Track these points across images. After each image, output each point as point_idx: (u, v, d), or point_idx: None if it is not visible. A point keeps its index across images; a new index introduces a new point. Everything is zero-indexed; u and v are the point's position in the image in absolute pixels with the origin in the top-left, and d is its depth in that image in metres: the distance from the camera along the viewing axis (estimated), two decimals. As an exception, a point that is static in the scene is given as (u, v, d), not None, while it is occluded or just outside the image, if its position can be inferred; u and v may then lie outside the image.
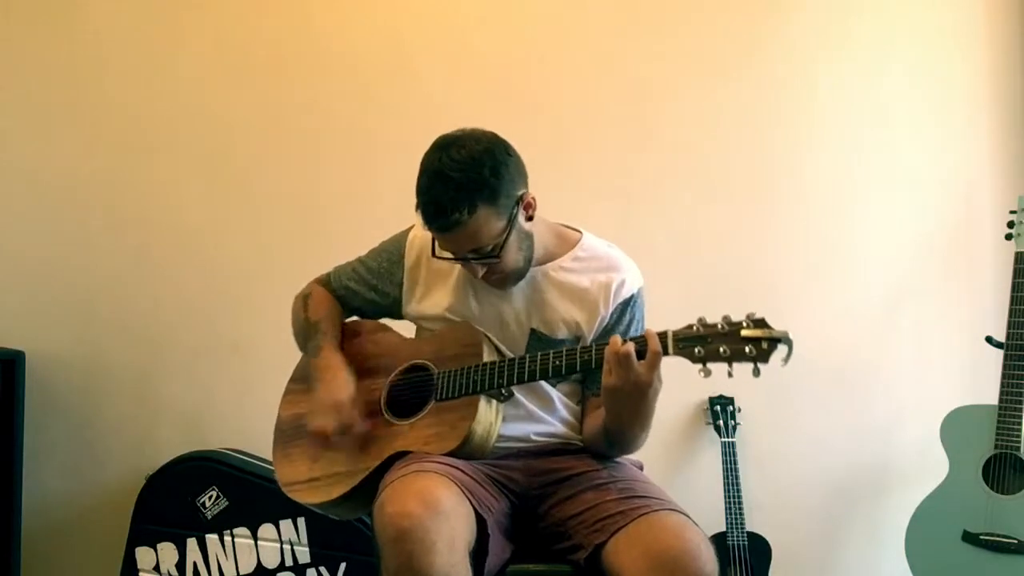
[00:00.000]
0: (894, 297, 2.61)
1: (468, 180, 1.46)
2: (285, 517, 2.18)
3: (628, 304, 1.63)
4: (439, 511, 1.28)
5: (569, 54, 2.61)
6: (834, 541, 2.59)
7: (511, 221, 1.51)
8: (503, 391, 1.53)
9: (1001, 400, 2.21)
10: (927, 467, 2.36)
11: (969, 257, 2.61)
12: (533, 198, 1.56)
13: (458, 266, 1.62)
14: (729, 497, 2.36)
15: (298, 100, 2.59)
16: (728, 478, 2.38)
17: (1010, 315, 2.24)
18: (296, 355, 1.81)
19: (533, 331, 1.61)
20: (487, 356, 1.55)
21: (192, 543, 2.21)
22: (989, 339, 2.36)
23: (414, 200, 1.51)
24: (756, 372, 1.30)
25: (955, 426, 2.28)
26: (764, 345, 1.29)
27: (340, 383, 1.61)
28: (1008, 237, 2.30)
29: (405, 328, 1.75)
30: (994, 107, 2.62)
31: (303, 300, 1.78)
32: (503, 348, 1.61)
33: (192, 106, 2.58)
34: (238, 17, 2.60)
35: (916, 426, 2.52)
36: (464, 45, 2.61)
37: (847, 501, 2.57)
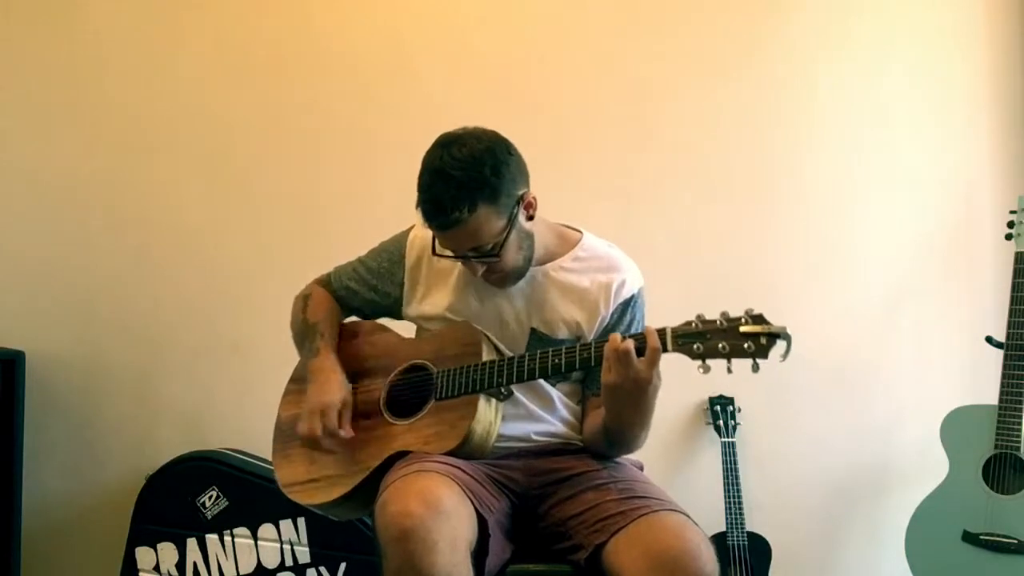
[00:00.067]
0: (894, 297, 2.61)
1: (469, 179, 1.46)
2: (285, 517, 2.18)
3: (628, 304, 1.63)
4: (441, 511, 1.28)
5: (569, 54, 2.61)
6: (834, 541, 2.59)
7: (511, 220, 1.51)
8: (503, 390, 1.53)
9: (1001, 400, 2.21)
10: (927, 467, 2.36)
11: (969, 257, 2.61)
12: (534, 198, 1.56)
13: (459, 266, 1.62)
14: (729, 497, 2.36)
15: (298, 100, 2.59)
16: (728, 478, 2.38)
17: (1010, 315, 2.24)
18: (296, 355, 1.81)
19: (533, 331, 1.61)
20: (486, 355, 1.55)
21: (192, 543, 2.21)
22: (989, 339, 2.36)
23: (414, 200, 1.51)
24: (755, 368, 1.30)
25: (955, 426, 2.28)
26: (763, 341, 1.29)
27: (331, 386, 1.61)
28: (1008, 237, 2.30)
29: (405, 328, 1.75)
30: (994, 107, 2.62)
31: (303, 301, 1.78)
32: (502, 347, 1.61)
33: (192, 106, 2.58)
34: (238, 17, 2.60)
35: (916, 426, 2.52)
36: (464, 45, 2.61)
37: (847, 501, 2.57)
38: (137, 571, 2.23)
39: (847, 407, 2.58)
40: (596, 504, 1.45)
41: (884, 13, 2.62)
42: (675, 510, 1.41)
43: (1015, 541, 2.14)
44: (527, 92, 2.59)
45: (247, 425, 2.47)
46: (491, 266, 1.55)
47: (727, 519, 2.35)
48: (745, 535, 2.34)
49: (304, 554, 2.17)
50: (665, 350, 1.36)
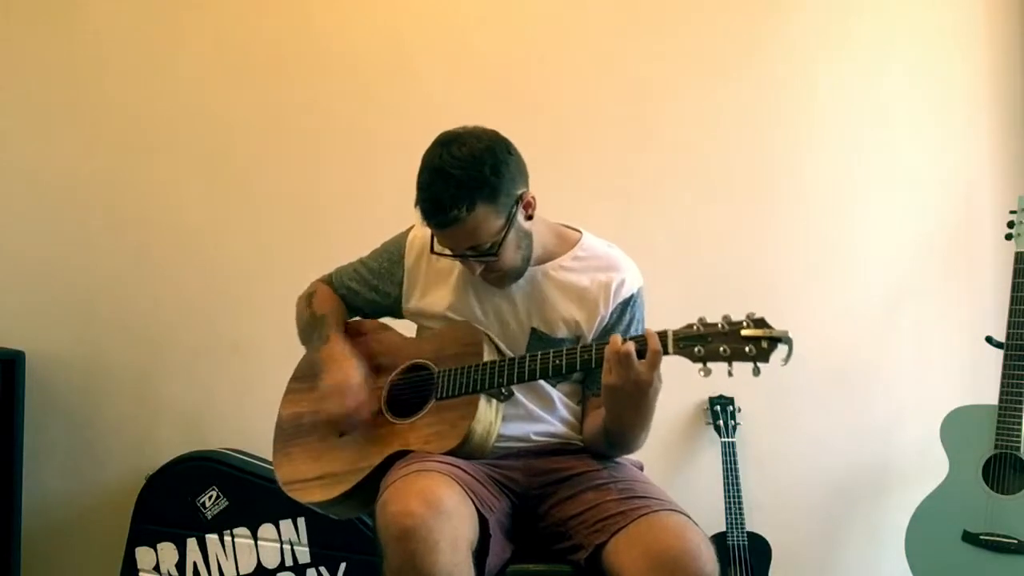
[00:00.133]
0: (894, 297, 2.61)
1: (468, 177, 1.46)
2: (285, 517, 2.18)
3: (628, 304, 1.63)
4: (442, 510, 1.28)
5: (569, 54, 2.61)
6: (834, 541, 2.59)
7: (510, 220, 1.51)
8: (503, 390, 1.53)
9: (1001, 400, 2.21)
10: (927, 467, 2.36)
11: (969, 257, 2.61)
12: (533, 198, 1.56)
13: (459, 265, 1.62)
14: (729, 497, 2.36)
15: (298, 100, 2.59)
16: (728, 478, 2.38)
17: (1010, 315, 2.24)
18: (296, 355, 1.81)
19: (534, 330, 1.61)
20: (487, 355, 1.55)
21: (192, 543, 2.21)
22: (989, 339, 2.36)
23: (414, 200, 1.51)
24: (756, 372, 1.30)
25: (955, 426, 2.28)
26: (764, 344, 1.29)
27: (347, 368, 1.61)
28: (1008, 237, 2.30)
29: (406, 328, 1.75)
30: (994, 107, 2.62)
31: (307, 298, 1.79)
32: (503, 347, 1.61)
33: (192, 106, 2.58)
34: (238, 17, 2.60)
35: (916, 426, 2.52)
36: (464, 45, 2.61)
37: (847, 501, 2.57)
38: (137, 571, 2.23)
39: (847, 407, 2.58)
40: (596, 504, 1.45)
41: (884, 13, 2.62)
42: (675, 510, 1.41)
43: (1015, 541, 2.14)
44: (527, 92, 2.59)
45: (247, 425, 2.47)
46: (489, 265, 1.55)
47: (727, 519, 2.35)
48: (745, 535, 2.34)
49: (304, 554, 2.17)
50: (666, 353, 1.36)
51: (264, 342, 2.50)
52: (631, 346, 1.36)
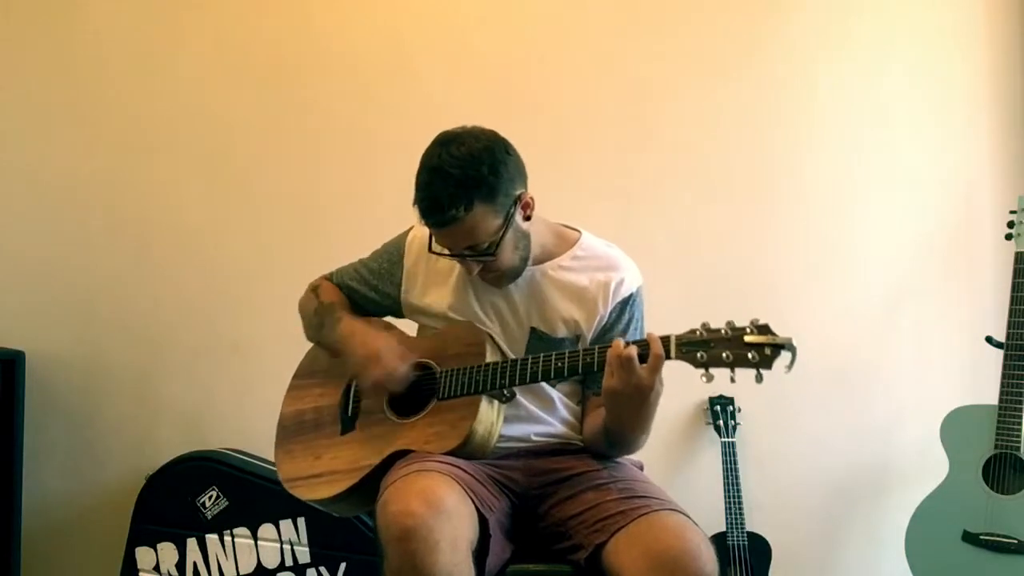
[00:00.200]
0: (894, 297, 2.61)
1: (466, 177, 1.46)
2: (285, 517, 2.18)
3: (627, 303, 1.63)
4: (442, 510, 1.28)
5: (569, 54, 2.61)
6: (834, 541, 2.59)
7: (508, 220, 1.52)
8: (505, 392, 1.53)
9: (1001, 400, 2.21)
10: (927, 467, 2.36)
11: (969, 257, 2.61)
12: (531, 198, 1.56)
13: (458, 265, 1.62)
14: (729, 497, 2.36)
15: (298, 100, 2.59)
16: (728, 478, 2.38)
17: (1010, 315, 2.24)
18: (297, 354, 1.82)
19: (533, 330, 1.61)
20: (490, 356, 1.55)
21: (192, 543, 2.21)
22: (989, 339, 2.36)
23: (413, 200, 1.51)
24: (759, 378, 1.30)
25: (955, 426, 2.28)
26: (767, 351, 1.29)
27: (371, 337, 1.61)
28: (1008, 237, 2.30)
29: (408, 327, 1.75)
30: (994, 107, 2.62)
31: (312, 291, 1.79)
32: (506, 348, 1.61)
33: (192, 106, 2.58)
34: (238, 17, 2.60)
35: (916, 426, 2.52)
36: (464, 45, 2.61)
37: (847, 501, 2.57)
38: (137, 571, 2.23)
39: (847, 407, 2.58)
40: (596, 504, 1.45)
41: (884, 13, 2.62)
42: (675, 510, 1.41)
43: (1015, 541, 2.14)
44: (527, 92, 2.59)
45: (247, 425, 2.47)
46: (487, 265, 1.55)
47: (727, 519, 2.35)
48: (745, 535, 2.34)
49: (304, 554, 2.17)
50: (668, 357, 1.36)
51: (264, 342, 2.50)
52: (633, 350, 1.36)
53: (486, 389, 1.51)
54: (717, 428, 2.46)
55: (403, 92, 2.58)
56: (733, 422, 2.46)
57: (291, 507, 2.16)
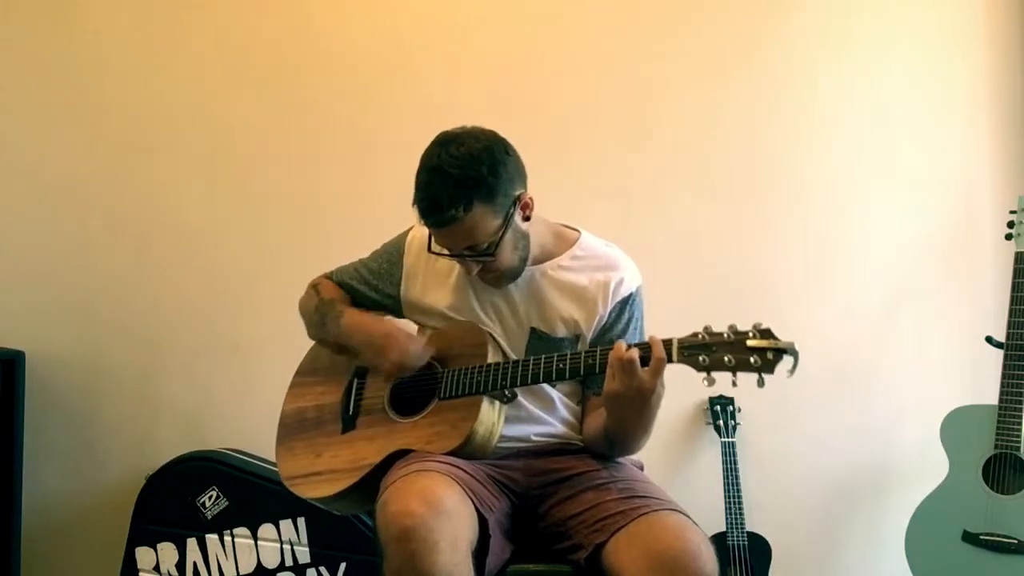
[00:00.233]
0: (894, 297, 2.61)
1: (466, 177, 1.46)
2: (285, 517, 2.18)
3: (626, 303, 1.64)
4: (442, 510, 1.28)
5: (569, 54, 2.61)
6: (834, 541, 2.59)
7: (507, 220, 1.52)
8: (507, 393, 1.53)
9: (1001, 400, 2.21)
10: (927, 467, 2.36)
11: (969, 257, 2.61)
12: (531, 198, 1.57)
13: (458, 266, 1.62)
14: (729, 497, 2.36)
15: (298, 100, 2.59)
16: (728, 478, 2.38)
17: (1010, 315, 2.24)
18: (297, 354, 1.82)
19: (533, 330, 1.62)
20: (492, 357, 1.55)
21: (192, 543, 2.21)
22: (989, 339, 2.36)
23: (412, 200, 1.51)
24: (761, 383, 1.30)
25: (955, 426, 2.28)
26: (769, 356, 1.29)
27: (379, 323, 1.63)
28: (1008, 237, 2.30)
29: (411, 327, 1.75)
30: (994, 107, 2.62)
31: (313, 288, 1.79)
32: (507, 349, 1.62)
33: (192, 106, 2.58)
34: (238, 17, 2.60)
35: (916, 426, 2.52)
36: (464, 45, 2.61)
37: (847, 501, 2.57)
38: (137, 571, 2.23)
39: (847, 407, 2.58)
40: (596, 504, 1.46)
41: (884, 13, 2.62)
42: (675, 510, 1.41)
43: (1015, 541, 2.14)
44: (527, 92, 2.59)
45: (247, 425, 2.47)
46: (486, 265, 1.55)
47: (727, 519, 2.35)
48: (745, 535, 2.34)
49: (304, 554, 2.17)
50: (670, 361, 1.36)
51: (264, 342, 2.50)
52: (635, 353, 1.36)
53: (487, 390, 1.51)
54: (717, 428, 2.46)
55: (403, 92, 2.58)
56: (733, 422, 2.46)
57: (291, 507, 2.16)
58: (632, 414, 1.43)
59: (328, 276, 1.82)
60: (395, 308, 1.73)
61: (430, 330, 1.69)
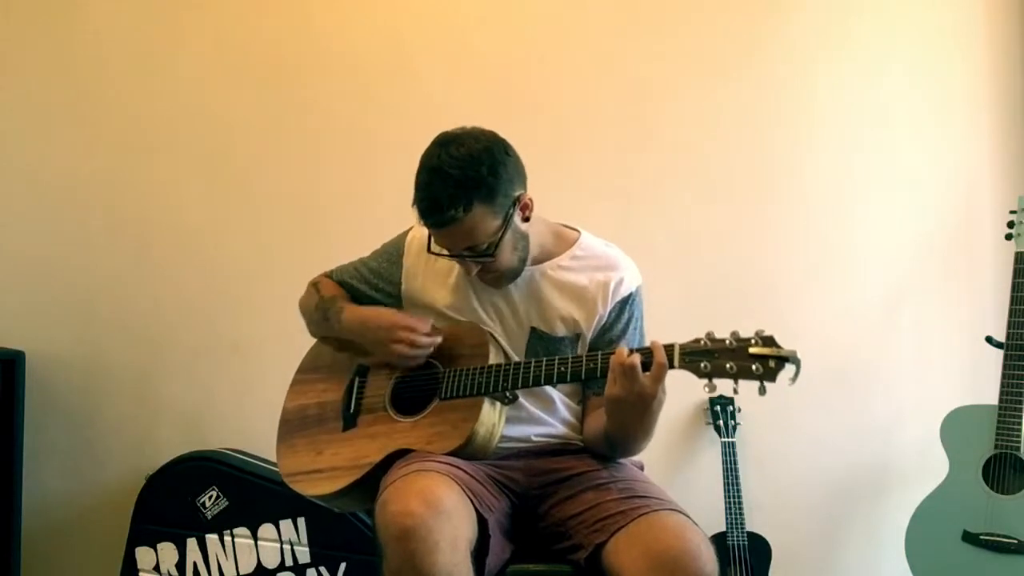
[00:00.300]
0: (894, 297, 2.61)
1: (465, 178, 1.46)
2: (285, 517, 2.18)
3: (626, 302, 1.64)
4: (441, 510, 1.28)
5: (569, 54, 2.61)
6: (834, 541, 2.59)
7: (507, 221, 1.52)
8: (508, 394, 1.53)
9: (1001, 400, 2.21)
10: (927, 467, 2.36)
11: (969, 257, 2.61)
12: (530, 199, 1.57)
13: (457, 266, 1.62)
14: (729, 497, 2.36)
15: (298, 100, 2.59)
16: (728, 478, 2.38)
17: (1010, 315, 2.24)
18: (297, 354, 1.81)
19: (533, 329, 1.62)
20: (493, 357, 1.56)
21: (192, 543, 2.21)
22: (989, 339, 2.36)
23: (412, 200, 1.51)
24: (762, 390, 1.30)
25: (955, 426, 2.28)
26: (771, 364, 1.29)
27: (383, 314, 1.63)
28: (1008, 237, 2.30)
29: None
30: (994, 107, 2.62)
31: (313, 287, 1.80)
32: (509, 350, 1.62)
33: (192, 106, 2.58)
34: (238, 17, 2.60)
35: (916, 426, 2.52)
36: (464, 45, 2.61)
37: (847, 501, 2.57)
38: (137, 571, 2.23)
39: (847, 407, 2.58)
40: (596, 504, 1.46)
41: (884, 13, 2.62)
42: (675, 510, 1.41)
43: (1015, 541, 2.14)
44: (527, 92, 2.59)
45: (247, 425, 2.47)
46: (486, 266, 1.55)
47: (727, 519, 2.35)
48: (745, 535, 2.34)
49: (304, 554, 2.17)
50: (671, 367, 1.36)
51: (264, 342, 2.50)
52: (636, 358, 1.36)
53: (489, 391, 1.51)
54: (717, 428, 2.46)
55: (403, 92, 2.58)
56: (733, 422, 2.46)
57: (291, 507, 2.16)
58: (633, 419, 1.43)
59: (328, 275, 1.82)
60: (395, 307, 1.73)
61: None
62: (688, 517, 1.40)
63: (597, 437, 1.57)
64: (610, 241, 1.71)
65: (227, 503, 2.21)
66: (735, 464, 2.40)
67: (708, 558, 1.31)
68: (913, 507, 2.30)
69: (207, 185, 2.58)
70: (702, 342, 1.35)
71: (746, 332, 1.33)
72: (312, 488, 1.60)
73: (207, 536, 2.21)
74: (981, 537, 2.18)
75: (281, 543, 2.18)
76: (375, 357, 1.66)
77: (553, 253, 1.65)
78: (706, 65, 2.61)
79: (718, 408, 2.47)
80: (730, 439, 2.43)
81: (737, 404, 2.48)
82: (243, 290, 2.56)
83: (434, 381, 1.59)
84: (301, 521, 2.18)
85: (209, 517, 2.21)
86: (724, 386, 1.33)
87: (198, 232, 2.57)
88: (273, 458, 1.72)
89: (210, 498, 2.22)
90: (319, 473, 1.60)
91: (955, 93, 2.63)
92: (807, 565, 2.56)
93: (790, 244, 2.60)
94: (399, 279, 1.71)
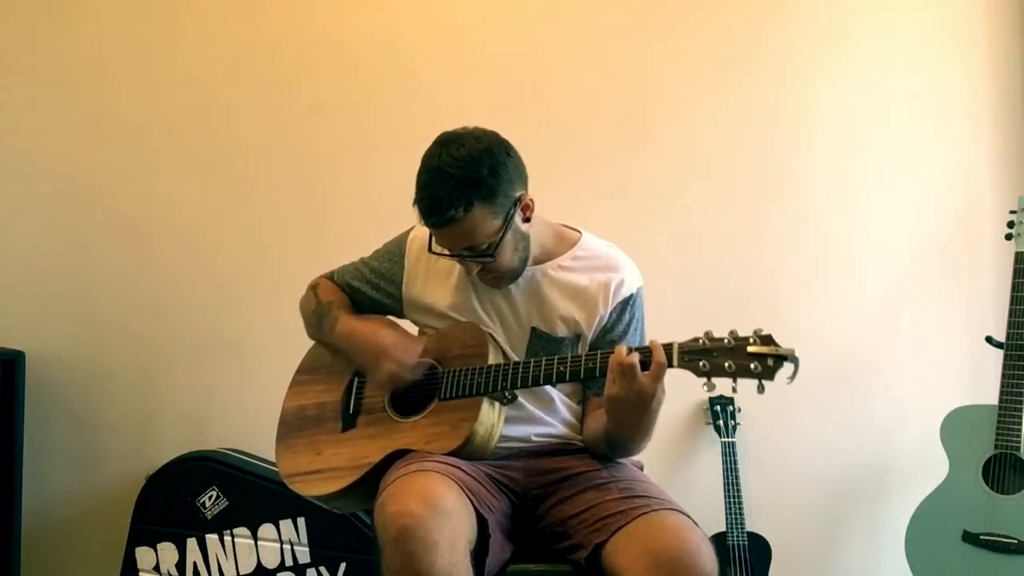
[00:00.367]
0: (894, 297, 2.61)
1: (466, 178, 1.46)
2: (285, 517, 2.18)
3: (627, 303, 1.63)
4: (440, 510, 1.28)
5: (569, 54, 2.61)
6: (834, 541, 2.59)
7: (507, 221, 1.52)
8: (507, 394, 1.53)
9: (1001, 400, 2.21)
10: (927, 467, 2.36)
11: (969, 257, 2.61)
12: (531, 200, 1.57)
13: (458, 266, 1.62)
14: (729, 497, 2.36)
15: (298, 100, 2.59)
16: (728, 478, 2.38)
17: (1010, 315, 2.24)
18: (297, 354, 1.82)
19: (534, 329, 1.62)
20: (492, 358, 1.56)
21: (192, 543, 2.21)
22: (989, 339, 2.36)
23: (413, 200, 1.51)
24: (760, 389, 1.30)
25: (955, 426, 2.28)
26: (770, 362, 1.29)
27: (375, 333, 1.62)
28: (1008, 237, 2.30)
29: (411, 327, 1.75)
30: (994, 107, 2.62)
31: (312, 290, 1.79)
32: (508, 350, 1.62)
33: (192, 106, 2.58)
34: (238, 17, 2.59)
35: (916, 426, 2.52)
36: (464, 45, 2.61)
37: (847, 501, 2.57)
38: (137, 571, 2.23)
39: (847, 407, 2.58)
40: (596, 503, 1.46)
41: (884, 13, 2.62)
42: (675, 510, 1.41)
43: (1015, 541, 2.14)
44: (527, 92, 2.59)
45: (247, 425, 2.47)
46: (486, 266, 1.55)
47: (727, 519, 2.35)
48: (745, 535, 2.34)
49: (304, 554, 2.17)
50: (670, 365, 1.36)
51: (264, 342, 2.50)
52: (635, 357, 1.36)
53: (488, 391, 1.51)
54: (717, 428, 2.46)
55: (403, 92, 2.58)
56: (733, 422, 2.46)
57: (291, 507, 2.16)
58: (632, 418, 1.43)
59: (329, 276, 1.82)
60: (396, 308, 1.73)
61: (431, 330, 1.69)
62: (688, 517, 1.40)
63: (597, 437, 1.57)
64: (610, 241, 1.71)
65: (227, 503, 2.21)
66: (735, 464, 2.40)
67: (708, 558, 1.31)
68: (913, 507, 2.30)
69: (207, 185, 2.58)
70: (701, 341, 1.36)
71: (745, 331, 1.33)
72: (311, 489, 1.60)
73: (207, 536, 2.21)
74: (981, 537, 2.18)
75: (281, 543, 2.18)
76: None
77: (554, 253, 1.65)
78: (706, 65, 2.61)
79: (718, 408, 2.47)
80: (730, 439, 2.43)
81: (737, 404, 2.48)
82: (243, 290, 2.56)
83: (433, 381, 1.59)
84: (301, 521, 2.18)
85: (209, 517, 2.21)
86: (723, 385, 1.34)
87: (198, 232, 2.57)
88: (273, 458, 1.72)
89: (210, 498, 2.22)
90: (318, 474, 1.61)
91: (955, 93, 2.63)
92: (807, 565, 2.56)
93: (790, 244, 2.60)
94: (401, 279, 1.71)
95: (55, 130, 2.57)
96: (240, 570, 2.18)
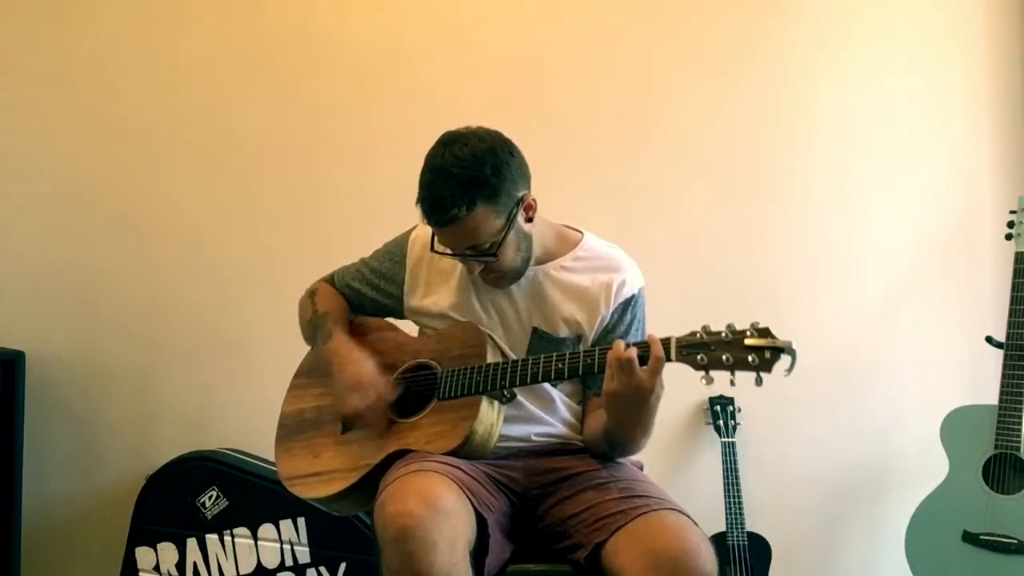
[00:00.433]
0: (894, 297, 2.61)
1: (469, 177, 1.46)
2: (285, 517, 2.18)
3: (629, 304, 1.63)
4: (440, 510, 1.28)
5: (569, 54, 2.61)
6: (834, 541, 2.59)
7: (510, 221, 1.52)
8: (505, 392, 1.53)
9: (1001, 400, 2.21)
10: (927, 467, 2.36)
11: (969, 257, 2.61)
12: (534, 200, 1.57)
13: (460, 265, 1.62)
14: (729, 497, 2.36)
15: (298, 100, 2.59)
16: (728, 478, 2.38)
17: (1010, 315, 2.24)
18: (297, 354, 1.81)
19: (535, 330, 1.61)
20: (491, 357, 1.55)
21: (192, 543, 2.21)
22: (989, 339, 2.36)
23: (415, 200, 1.51)
24: (759, 381, 1.30)
25: (955, 426, 2.28)
26: (767, 355, 1.29)
27: (355, 362, 1.61)
28: (1008, 237, 2.30)
29: (411, 327, 1.75)
30: (994, 107, 2.62)
31: (310, 295, 1.79)
32: (506, 349, 1.62)
33: (192, 106, 2.58)
34: (238, 17, 2.59)
35: (916, 426, 2.52)
36: (464, 45, 2.61)
37: (847, 501, 2.57)
38: (137, 571, 2.23)
39: (847, 407, 2.58)
40: (596, 503, 1.46)
41: (884, 13, 2.62)
42: (675, 509, 1.41)
43: (1015, 541, 2.14)
44: (527, 92, 2.59)
45: (247, 425, 2.47)
46: (488, 266, 1.55)
47: (727, 519, 2.35)
48: (745, 535, 2.34)
49: (304, 554, 2.17)
50: (668, 360, 1.36)
51: (264, 342, 2.50)
52: (633, 352, 1.36)
53: (486, 390, 1.51)
54: (717, 428, 2.46)
55: (403, 92, 2.58)
56: (733, 422, 2.46)
57: (291, 507, 2.16)
58: (632, 414, 1.43)
59: (329, 279, 1.82)
60: (396, 308, 1.73)
61: (431, 331, 1.69)
62: (688, 517, 1.40)
63: (597, 437, 1.57)
64: (611, 241, 1.71)
65: (227, 503, 2.21)
66: (735, 464, 2.40)
67: (708, 557, 1.31)
68: (913, 507, 2.30)
69: (207, 185, 2.58)
70: (698, 335, 1.36)
71: (742, 325, 1.33)
72: (311, 491, 1.60)
73: (207, 536, 2.21)
74: (981, 537, 2.18)
75: (281, 543, 2.18)
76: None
77: (556, 254, 1.65)
78: (706, 65, 2.61)
79: (718, 408, 2.47)
80: (730, 439, 2.43)
81: (737, 404, 2.48)
82: (243, 290, 2.56)
83: (432, 381, 1.59)
84: (301, 521, 2.18)
85: (209, 517, 2.21)
86: (722, 380, 1.33)
87: (198, 232, 2.57)
88: (273, 457, 1.72)
89: (210, 498, 2.22)
90: (318, 476, 1.60)
91: (955, 93, 2.63)
92: (807, 565, 2.56)
93: (790, 244, 2.60)
94: (402, 279, 1.70)
95: (55, 130, 2.57)
96: (240, 570, 2.18)
